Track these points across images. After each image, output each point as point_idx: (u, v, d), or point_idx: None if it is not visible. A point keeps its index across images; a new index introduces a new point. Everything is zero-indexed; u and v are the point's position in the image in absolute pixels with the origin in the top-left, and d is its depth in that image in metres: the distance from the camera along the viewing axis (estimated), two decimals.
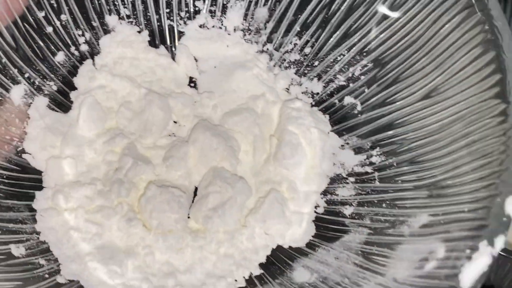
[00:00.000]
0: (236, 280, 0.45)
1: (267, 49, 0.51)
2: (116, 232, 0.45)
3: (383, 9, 0.45)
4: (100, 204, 0.45)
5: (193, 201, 0.47)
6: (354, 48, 0.48)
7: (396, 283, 0.40)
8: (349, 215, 0.46)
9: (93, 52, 0.49)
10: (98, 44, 0.50)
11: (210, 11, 0.51)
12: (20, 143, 0.46)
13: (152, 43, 0.51)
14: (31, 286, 0.42)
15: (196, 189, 0.48)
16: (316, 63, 0.50)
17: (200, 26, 0.52)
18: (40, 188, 0.45)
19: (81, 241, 0.44)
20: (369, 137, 0.47)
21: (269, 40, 0.51)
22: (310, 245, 0.46)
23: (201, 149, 0.47)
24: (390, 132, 0.45)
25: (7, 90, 0.46)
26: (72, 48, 0.49)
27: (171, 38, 0.52)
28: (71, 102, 0.48)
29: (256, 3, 0.50)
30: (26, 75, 0.47)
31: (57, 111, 0.48)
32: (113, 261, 0.44)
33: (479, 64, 0.40)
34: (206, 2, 0.51)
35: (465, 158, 0.39)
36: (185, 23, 0.51)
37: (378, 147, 0.46)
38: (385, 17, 0.45)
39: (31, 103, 0.47)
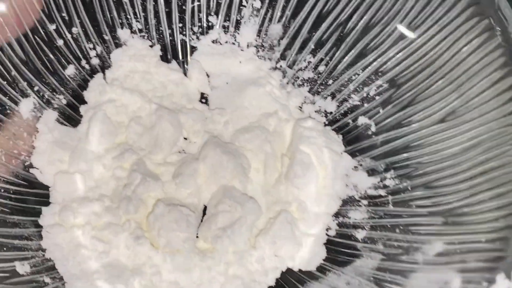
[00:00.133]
0: None
1: (281, 66, 0.51)
2: (123, 250, 0.44)
3: (400, 28, 0.45)
4: (107, 220, 0.44)
5: (202, 220, 0.46)
6: (369, 67, 0.47)
7: None
8: (361, 239, 0.46)
9: (104, 66, 0.49)
10: (109, 58, 0.49)
11: (224, 27, 0.51)
12: (28, 157, 0.45)
13: (164, 58, 0.51)
14: None
15: (205, 207, 0.47)
16: (330, 81, 0.49)
17: (213, 42, 0.51)
18: (47, 203, 0.45)
19: (87, 258, 0.44)
20: (383, 159, 0.46)
21: (283, 57, 0.51)
22: (320, 268, 0.46)
23: (211, 166, 0.46)
24: (405, 155, 0.45)
25: (16, 103, 0.45)
26: (83, 62, 0.48)
27: (183, 53, 0.51)
28: (81, 116, 0.48)
29: (270, 20, 0.50)
30: (36, 88, 0.46)
31: (66, 125, 0.47)
32: (120, 279, 0.43)
33: (500, 88, 0.39)
34: (220, 17, 0.51)
35: (483, 186, 0.39)
36: (197, 38, 0.51)
37: (392, 170, 0.46)
38: (402, 37, 0.45)
39: (40, 116, 0.46)
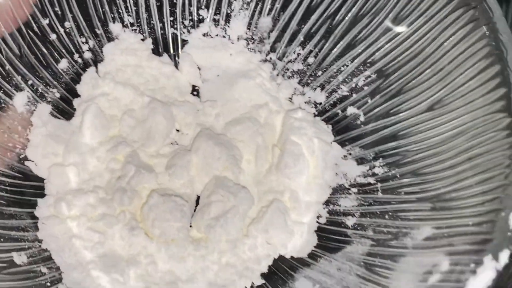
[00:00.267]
0: None
1: (271, 58, 0.51)
2: (118, 241, 0.45)
3: (387, 21, 0.45)
4: (102, 212, 0.45)
5: (195, 210, 0.47)
6: (357, 58, 0.48)
7: None
8: (351, 225, 0.46)
9: (97, 60, 0.49)
10: (101, 52, 0.50)
11: (214, 20, 0.51)
12: (23, 150, 0.46)
13: (156, 51, 0.51)
14: None
15: (198, 198, 0.47)
16: (320, 73, 0.50)
17: (204, 35, 0.52)
18: (42, 195, 0.45)
19: (83, 249, 0.44)
20: (372, 148, 0.47)
21: (273, 49, 0.51)
22: (312, 255, 0.46)
23: (203, 157, 0.47)
24: (393, 143, 0.46)
25: (10, 97, 0.46)
26: (76, 56, 0.49)
27: (174, 46, 0.52)
28: (74, 109, 0.48)
29: (260, 13, 0.50)
30: (30, 82, 0.47)
31: (60, 119, 0.48)
32: (115, 269, 0.44)
33: (484, 78, 0.40)
34: (210, 11, 0.51)
35: (469, 172, 0.40)
36: (188, 31, 0.51)
37: (381, 158, 0.46)
38: (389, 28, 0.45)
39: (34, 110, 0.47)
